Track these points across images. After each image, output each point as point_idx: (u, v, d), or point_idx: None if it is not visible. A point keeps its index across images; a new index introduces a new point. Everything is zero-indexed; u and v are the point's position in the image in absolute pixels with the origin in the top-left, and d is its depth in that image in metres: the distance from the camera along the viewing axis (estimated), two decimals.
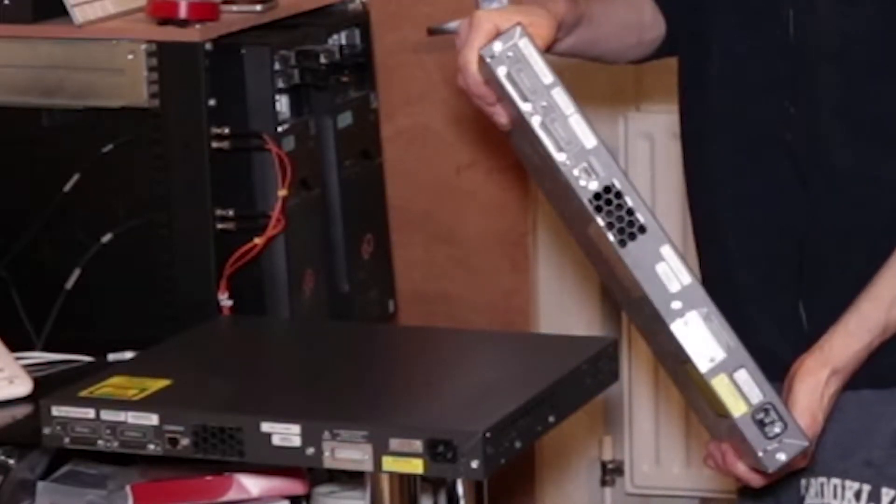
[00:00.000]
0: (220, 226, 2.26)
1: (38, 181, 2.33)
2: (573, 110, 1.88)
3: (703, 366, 1.92)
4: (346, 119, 2.48)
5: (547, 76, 1.93)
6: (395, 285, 2.65)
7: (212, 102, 2.24)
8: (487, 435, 1.76)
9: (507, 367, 2.11)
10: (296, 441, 1.82)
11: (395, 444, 1.79)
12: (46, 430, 1.89)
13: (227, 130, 2.24)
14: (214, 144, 2.24)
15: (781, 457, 1.87)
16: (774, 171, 2.14)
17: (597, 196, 1.89)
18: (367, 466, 1.80)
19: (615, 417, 3.72)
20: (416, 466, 1.78)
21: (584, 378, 2.02)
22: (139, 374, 1.99)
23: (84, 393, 1.91)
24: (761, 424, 1.92)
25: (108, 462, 2.16)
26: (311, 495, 2.17)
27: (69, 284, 2.28)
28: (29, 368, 2.15)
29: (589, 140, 1.89)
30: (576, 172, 1.90)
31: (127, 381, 1.95)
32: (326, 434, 1.80)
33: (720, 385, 1.93)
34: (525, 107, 1.90)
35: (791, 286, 2.16)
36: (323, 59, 2.37)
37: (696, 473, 3.69)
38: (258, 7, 2.37)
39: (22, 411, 2.07)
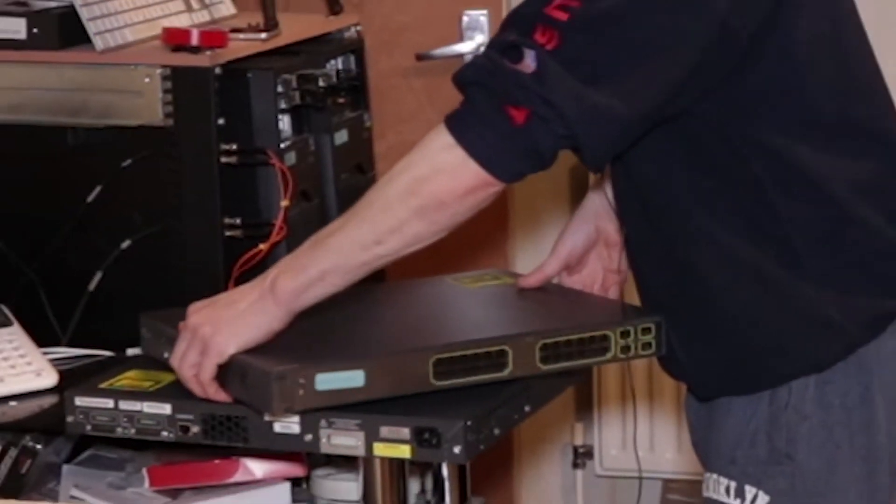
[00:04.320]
0: (228, 233, 2.27)
1: (63, 193, 2.34)
2: None
3: None
4: (342, 136, 2.49)
5: None
6: None
7: (221, 121, 2.25)
8: (469, 423, 1.78)
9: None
10: (295, 428, 1.84)
11: (385, 431, 1.82)
12: (70, 419, 1.93)
13: (234, 147, 2.26)
14: (223, 159, 2.26)
15: None
16: None
17: None
18: (360, 452, 1.84)
19: (586, 406, 3.72)
20: (404, 452, 1.81)
21: (557, 372, 2.01)
22: (154, 368, 2.00)
23: (104, 385, 1.94)
24: None
25: (127, 447, 2.18)
26: (310, 477, 2.18)
27: (92, 286, 2.30)
28: (55, 362, 2.17)
29: None
30: None
31: (143, 374, 1.98)
32: (323, 422, 1.83)
33: None
34: None
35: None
36: (321, 83, 2.39)
37: (660, 457, 3.70)
38: (263, 35, 2.39)
39: (48, 401, 2.09)
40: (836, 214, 1.97)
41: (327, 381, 1.83)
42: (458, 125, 1.85)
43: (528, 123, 1.82)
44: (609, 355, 1.99)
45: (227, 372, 1.90)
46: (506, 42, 1.84)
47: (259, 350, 1.91)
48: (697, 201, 1.98)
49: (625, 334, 1.99)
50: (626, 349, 2.00)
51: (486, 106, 1.84)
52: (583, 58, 1.82)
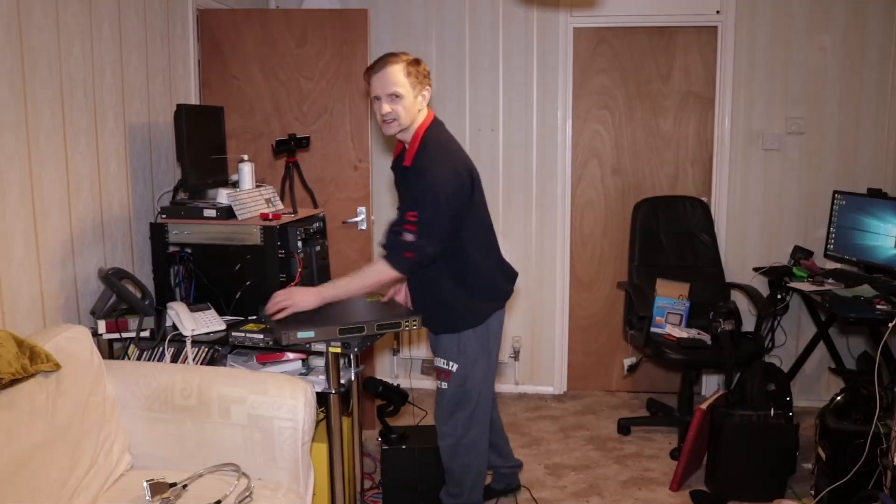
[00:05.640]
0: (281, 279, 2.26)
1: (226, 266, 2.28)
2: None
3: None
4: (318, 248, 2.42)
5: None
6: None
7: (279, 243, 2.24)
8: (360, 340, 1.98)
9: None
10: (303, 341, 1.96)
11: (333, 344, 1.98)
12: (228, 340, 2.06)
13: (283, 252, 2.26)
14: (280, 255, 2.25)
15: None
16: None
17: None
18: (324, 349, 1.99)
19: (397, 334, 3.57)
20: (338, 350, 1.99)
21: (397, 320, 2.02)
22: (257, 323, 2.15)
23: (241, 328, 2.09)
24: None
25: (247, 349, 2.24)
26: (307, 359, 2.21)
27: (237, 296, 2.28)
28: (225, 321, 2.18)
29: None
30: None
31: (254, 326, 2.12)
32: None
33: None
34: None
35: None
36: (311, 231, 2.39)
37: (420, 353, 3.62)
38: (292, 215, 2.38)
39: (221, 333, 2.11)
40: (485, 276, 2.07)
41: (302, 334, 1.93)
42: (389, 258, 1.94)
43: (412, 258, 1.92)
44: (401, 329, 2.03)
45: (280, 322, 1.95)
46: (398, 229, 1.91)
47: (293, 317, 1.96)
48: (446, 274, 2.04)
49: (406, 322, 2.03)
50: (407, 326, 2.03)
51: (397, 252, 1.92)
52: (424, 235, 1.90)
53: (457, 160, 1.94)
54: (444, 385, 2.12)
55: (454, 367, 2.10)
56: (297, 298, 1.99)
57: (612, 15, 3.27)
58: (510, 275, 2.19)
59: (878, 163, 3.17)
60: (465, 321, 2.06)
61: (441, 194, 1.86)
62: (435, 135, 1.95)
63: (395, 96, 1.90)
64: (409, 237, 1.87)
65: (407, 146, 2.00)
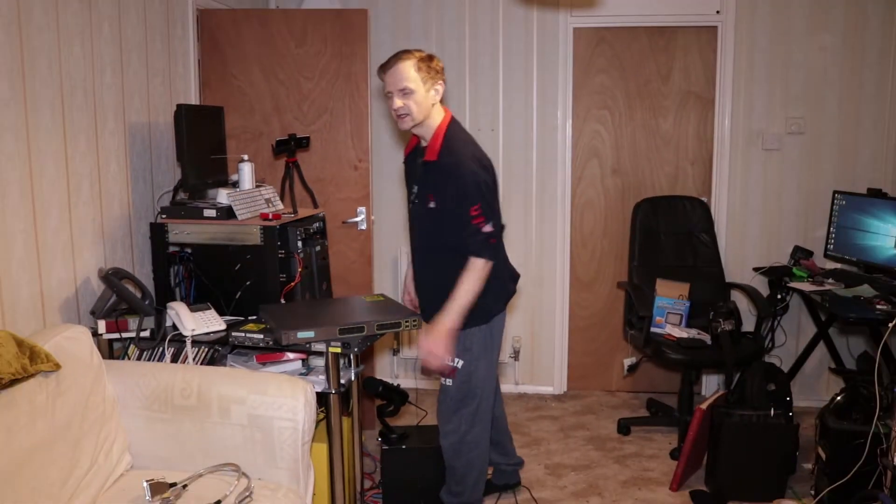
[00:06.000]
0: (281, 279, 2.26)
1: (226, 266, 2.28)
2: None
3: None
4: (317, 248, 2.44)
5: None
6: (331, 289, 2.52)
7: (279, 243, 2.24)
8: (360, 340, 1.98)
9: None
10: (303, 341, 1.96)
11: (333, 343, 1.98)
12: (229, 340, 2.06)
13: (283, 251, 2.26)
14: (280, 255, 2.25)
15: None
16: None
17: None
18: (324, 349, 1.99)
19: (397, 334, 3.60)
20: (338, 349, 1.99)
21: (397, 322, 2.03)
22: (257, 323, 2.15)
23: (241, 328, 2.09)
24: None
25: (247, 349, 2.23)
26: (307, 358, 2.21)
27: (237, 296, 2.28)
28: (224, 321, 2.18)
29: None
30: None
31: (255, 326, 2.12)
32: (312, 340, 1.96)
33: None
34: None
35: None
36: (311, 231, 2.40)
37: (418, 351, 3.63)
38: (293, 215, 2.38)
39: (221, 334, 2.11)
40: (494, 274, 2.03)
41: (302, 334, 1.93)
42: (481, 254, 1.94)
43: (494, 244, 1.94)
44: (401, 329, 2.03)
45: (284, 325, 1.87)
46: (473, 229, 1.91)
47: (293, 319, 1.93)
48: (458, 270, 1.99)
49: (406, 322, 2.03)
50: (407, 326, 2.03)
51: (486, 244, 1.93)
52: (492, 218, 1.92)
53: (479, 156, 1.98)
54: (449, 382, 2.12)
55: (459, 363, 2.09)
56: (432, 342, 1.96)
57: (612, 15, 3.28)
58: (514, 275, 2.21)
59: (877, 163, 3.18)
60: (472, 318, 2.05)
61: (482, 183, 1.92)
62: (455, 131, 1.99)
63: (407, 91, 1.93)
64: (487, 228, 1.90)
65: (424, 142, 2.03)
